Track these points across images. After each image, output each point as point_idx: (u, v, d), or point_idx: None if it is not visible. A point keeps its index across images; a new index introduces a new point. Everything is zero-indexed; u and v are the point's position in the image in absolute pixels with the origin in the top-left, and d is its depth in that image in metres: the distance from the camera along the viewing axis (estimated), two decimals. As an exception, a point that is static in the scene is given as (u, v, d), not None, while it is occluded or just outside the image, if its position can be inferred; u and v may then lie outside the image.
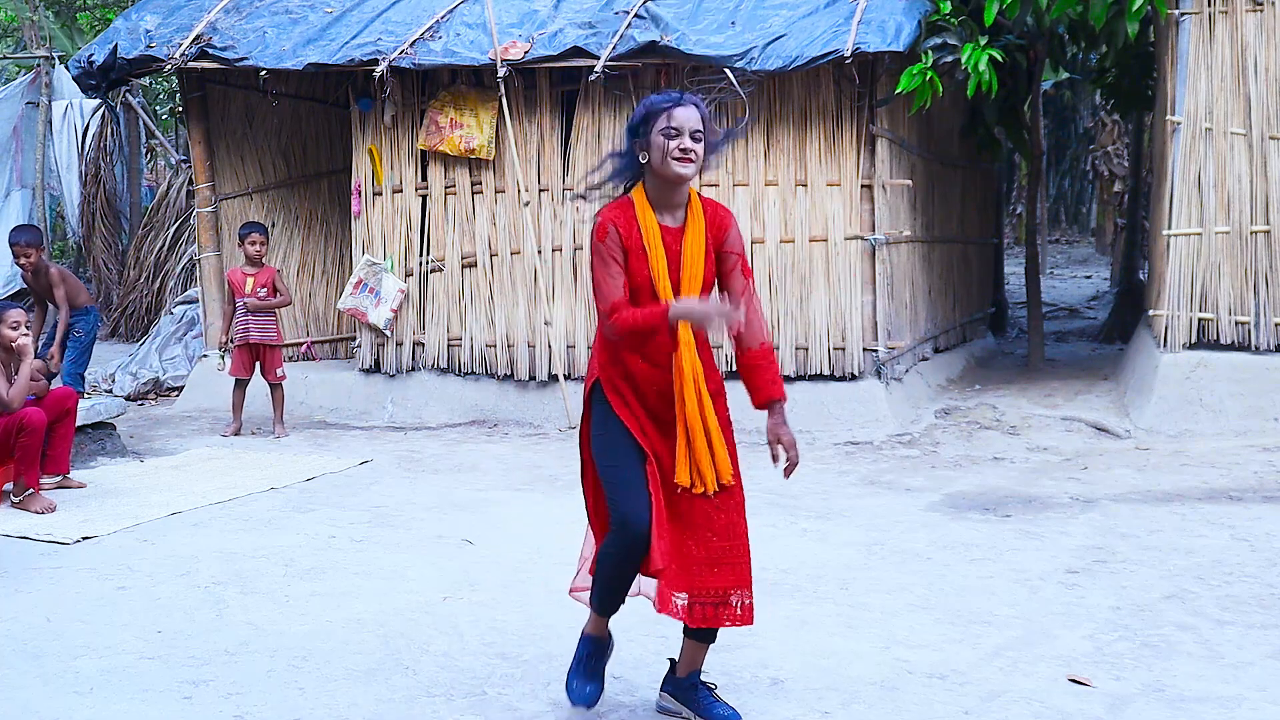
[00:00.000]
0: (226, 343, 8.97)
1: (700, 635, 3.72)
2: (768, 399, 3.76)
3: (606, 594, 3.69)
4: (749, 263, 3.78)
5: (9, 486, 6.51)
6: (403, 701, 3.89)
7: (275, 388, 8.78)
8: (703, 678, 3.79)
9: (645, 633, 4.47)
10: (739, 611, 3.62)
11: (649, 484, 3.57)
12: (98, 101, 12.96)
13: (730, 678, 4.04)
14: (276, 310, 8.90)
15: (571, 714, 3.79)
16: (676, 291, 3.58)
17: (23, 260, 8.54)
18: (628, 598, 3.73)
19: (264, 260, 8.92)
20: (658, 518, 3.55)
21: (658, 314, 3.49)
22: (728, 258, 3.67)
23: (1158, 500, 6.44)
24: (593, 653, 3.79)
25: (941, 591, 4.95)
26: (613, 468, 3.61)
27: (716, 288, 3.70)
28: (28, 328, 6.68)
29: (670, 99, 3.59)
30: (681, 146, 3.52)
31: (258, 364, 8.79)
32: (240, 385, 8.83)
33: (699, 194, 3.68)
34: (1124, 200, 20.75)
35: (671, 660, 3.85)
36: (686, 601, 3.57)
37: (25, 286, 13.81)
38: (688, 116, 3.54)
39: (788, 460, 3.76)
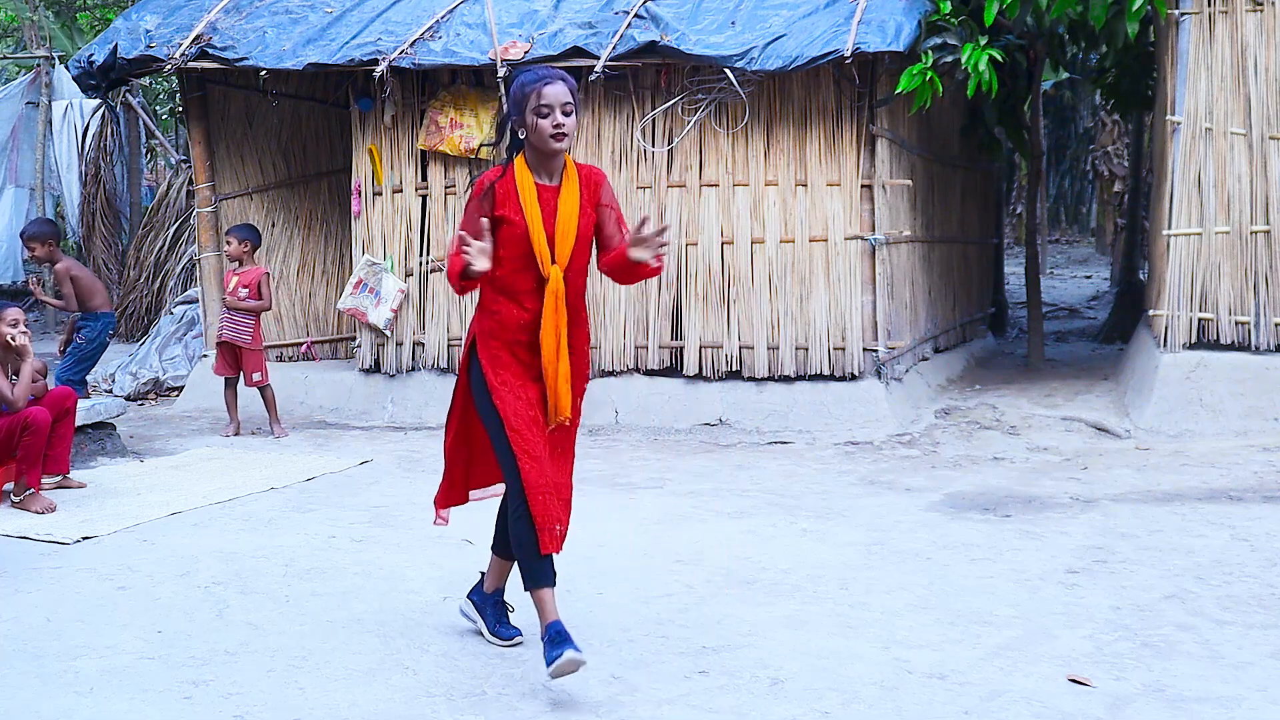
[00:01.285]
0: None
1: (508, 552, 4.25)
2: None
3: (540, 557, 3.99)
4: (624, 217, 4.21)
5: (9, 486, 6.51)
6: (403, 701, 3.89)
7: (262, 390, 8.75)
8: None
9: (645, 633, 4.47)
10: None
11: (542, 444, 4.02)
12: (98, 101, 12.96)
13: (730, 677, 4.05)
14: (257, 314, 8.82)
15: (572, 713, 3.79)
16: (551, 242, 3.97)
17: (33, 254, 8.53)
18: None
19: (245, 261, 8.85)
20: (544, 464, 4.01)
21: (456, 267, 3.91)
22: (604, 211, 4.09)
23: (1158, 500, 6.44)
24: (504, 602, 4.38)
25: (941, 591, 4.95)
26: (510, 431, 3.99)
27: (596, 240, 4.13)
28: (26, 327, 6.68)
29: (539, 77, 3.96)
30: (555, 123, 3.91)
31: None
32: (229, 384, 8.83)
33: (573, 159, 4.08)
34: (1124, 200, 20.76)
35: (482, 573, 4.43)
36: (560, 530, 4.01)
37: (25, 281, 13.84)
38: (557, 94, 3.92)
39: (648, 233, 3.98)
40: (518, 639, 4.30)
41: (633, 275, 4.07)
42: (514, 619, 4.42)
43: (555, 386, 4.01)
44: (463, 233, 3.89)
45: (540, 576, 4.00)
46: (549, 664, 3.83)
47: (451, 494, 4.44)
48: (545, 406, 4.03)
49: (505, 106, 4.07)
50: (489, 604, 4.40)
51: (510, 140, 4.07)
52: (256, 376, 8.74)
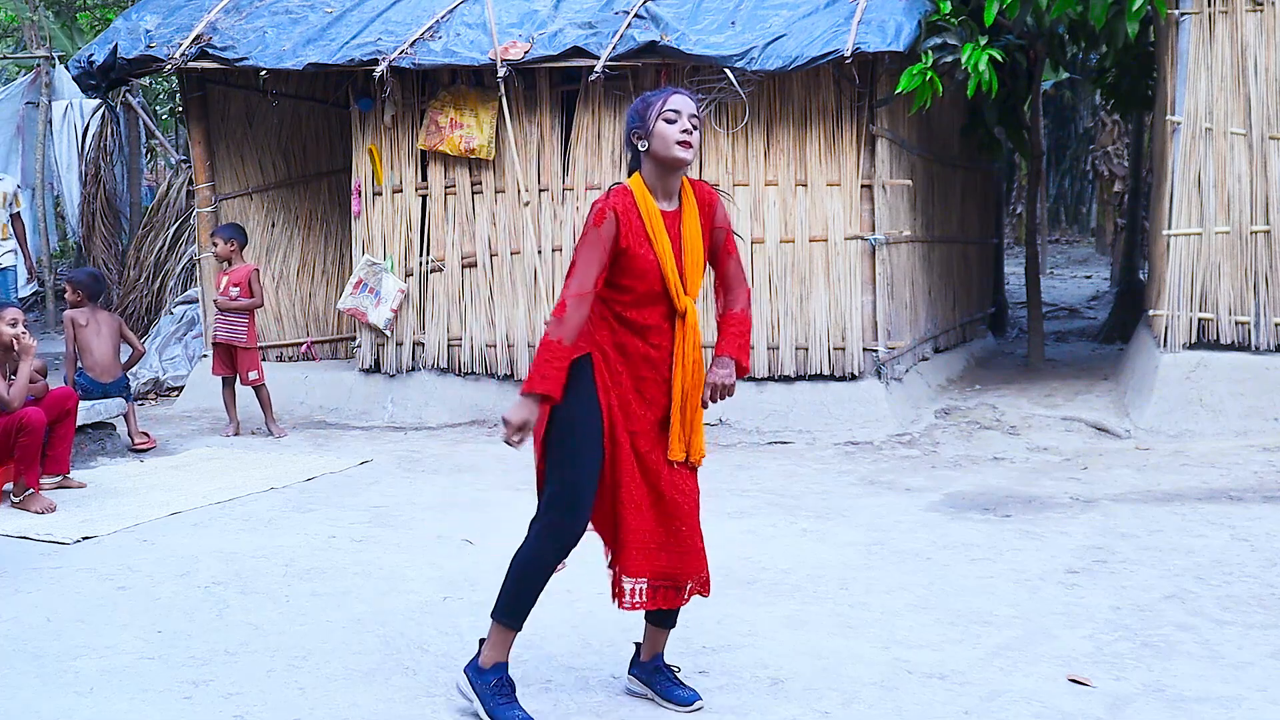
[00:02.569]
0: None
1: (660, 620, 3.88)
2: (726, 353, 3.82)
3: (524, 597, 3.72)
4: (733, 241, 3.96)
5: (9, 486, 6.51)
6: (403, 701, 3.89)
7: (257, 390, 8.74)
8: (669, 661, 3.95)
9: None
10: (686, 597, 3.80)
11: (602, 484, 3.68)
12: (98, 101, 12.96)
13: (730, 677, 4.05)
14: (250, 311, 8.79)
15: (572, 713, 3.79)
16: (681, 272, 3.68)
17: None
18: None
19: (234, 260, 8.84)
20: (626, 501, 3.67)
21: (548, 380, 3.54)
22: (718, 233, 3.83)
23: (1158, 500, 6.44)
24: (506, 679, 3.75)
25: (941, 591, 4.95)
26: (572, 453, 3.64)
27: (713, 261, 3.86)
28: (26, 326, 6.68)
29: (667, 90, 3.74)
30: (683, 128, 3.64)
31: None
32: (227, 384, 8.83)
33: (689, 180, 3.80)
34: (1124, 200, 20.76)
35: (636, 644, 3.97)
36: (647, 586, 3.71)
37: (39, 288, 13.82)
38: (685, 104, 3.68)
39: (714, 380, 3.77)
40: (698, 704, 3.82)
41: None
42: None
43: (678, 425, 3.69)
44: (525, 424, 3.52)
45: (523, 615, 3.75)
46: (489, 710, 3.68)
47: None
48: (665, 443, 3.71)
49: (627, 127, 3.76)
50: (650, 670, 3.93)
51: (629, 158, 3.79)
52: (253, 376, 8.73)
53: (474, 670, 3.78)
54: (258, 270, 9.03)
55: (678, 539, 3.74)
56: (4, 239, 10.81)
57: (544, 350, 3.57)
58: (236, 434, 8.64)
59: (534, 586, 3.71)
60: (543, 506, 3.70)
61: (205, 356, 10.04)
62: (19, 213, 11.02)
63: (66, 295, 8.40)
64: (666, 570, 3.74)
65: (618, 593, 3.75)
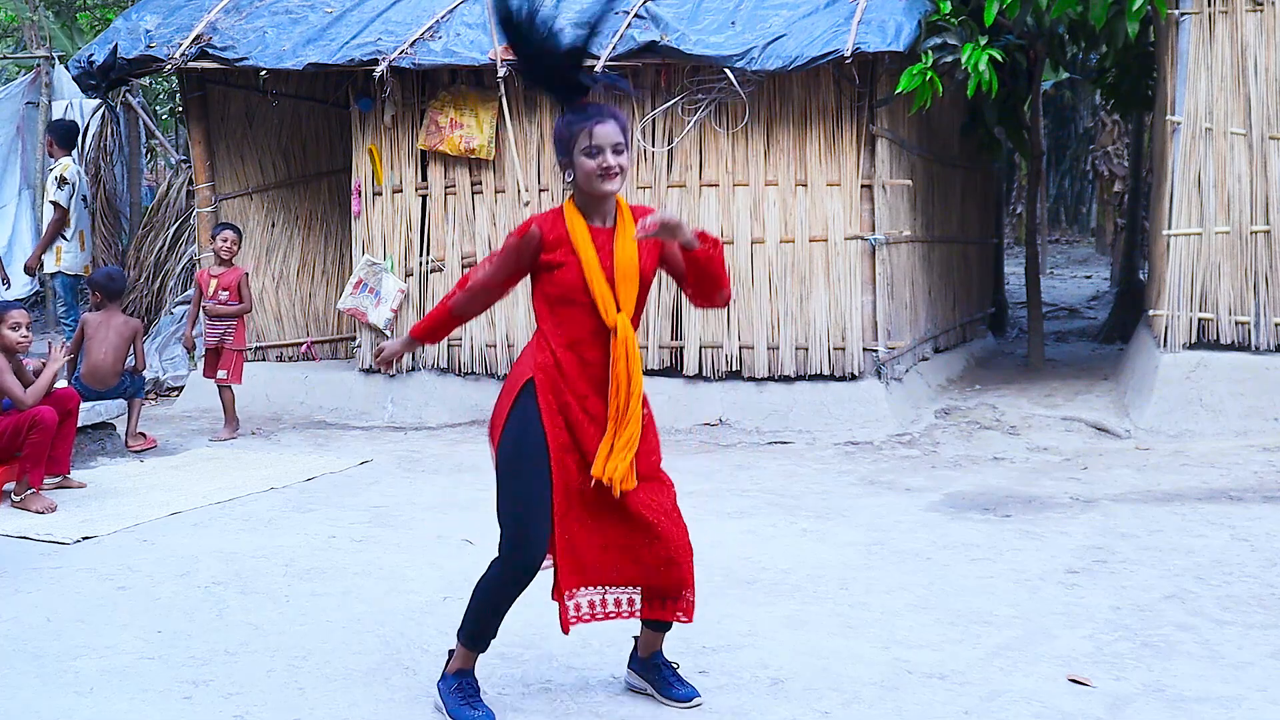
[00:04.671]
0: (193, 340, 8.96)
1: (655, 625, 3.89)
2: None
3: (483, 623, 3.74)
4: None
5: (9, 486, 6.51)
6: (403, 701, 3.89)
7: (222, 388, 8.67)
8: (670, 658, 3.97)
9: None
10: (657, 612, 3.82)
11: (553, 511, 3.63)
12: (98, 101, 12.95)
13: (730, 677, 4.05)
14: (242, 315, 8.76)
15: (572, 713, 3.79)
16: (611, 285, 3.64)
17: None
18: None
19: (234, 260, 8.83)
20: (575, 520, 3.67)
21: (419, 327, 4.01)
22: (667, 246, 3.73)
23: (1158, 500, 6.44)
24: (469, 682, 3.79)
25: (941, 591, 4.95)
26: (520, 485, 3.64)
27: (670, 269, 3.80)
28: (28, 329, 6.68)
29: (588, 116, 3.64)
30: (604, 165, 3.60)
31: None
32: (222, 387, 8.79)
33: (625, 202, 3.75)
34: (1124, 200, 20.75)
35: (635, 638, 4.00)
36: (594, 598, 3.75)
37: (38, 289, 13.76)
38: (607, 133, 3.61)
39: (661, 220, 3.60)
40: (697, 700, 3.85)
41: (705, 278, 3.71)
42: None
43: (613, 446, 3.62)
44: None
45: (485, 640, 3.79)
46: (449, 711, 3.73)
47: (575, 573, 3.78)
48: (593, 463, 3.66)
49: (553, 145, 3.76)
50: (649, 666, 3.96)
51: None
52: (222, 374, 8.65)
53: (442, 680, 3.84)
54: (248, 274, 9.00)
55: (641, 552, 3.73)
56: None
57: (438, 308, 3.93)
58: (235, 435, 8.59)
59: (495, 613, 3.74)
60: (500, 538, 3.71)
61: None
62: (57, 201, 10.67)
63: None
64: (628, 579, 3.75)
65: (561, 612, 3.73)
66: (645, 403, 3.74)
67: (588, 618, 3.77)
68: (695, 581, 3.86)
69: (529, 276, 3.76)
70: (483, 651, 3.80)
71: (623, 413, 3.63)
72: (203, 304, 8.78)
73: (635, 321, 3.71)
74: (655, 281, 3.94)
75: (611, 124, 3.63)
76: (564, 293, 3.65)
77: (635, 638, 3.99)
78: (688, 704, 3.82)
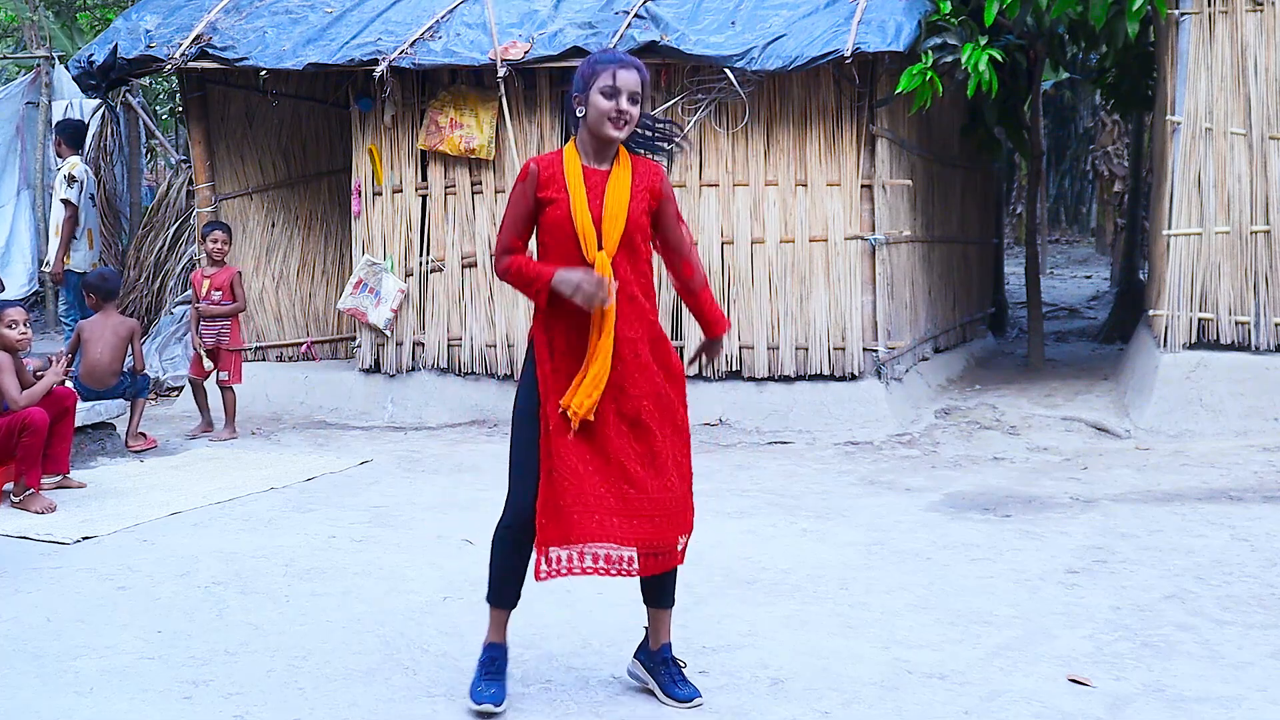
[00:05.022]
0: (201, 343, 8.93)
1: (655, 600, 3.92)
2: (715, 336, 4.12)
3: (497, 579, 3.85)
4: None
5: (9, 486, 6.51)
6: (403, 701, 3.89)
7: (224, 389, 8.64)
8: (677, 655, 3.96)
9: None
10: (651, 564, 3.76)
11: (539, 469, 3.70)
12: (98, 101, 12.95)
13: (730, 678, 4.05)
14: (236, 314, 8.72)
15: (572, 713, 3.79)
16: (597, 224, 3.69)
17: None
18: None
19: (230, 260, 8.81)
20: (560, 469, 3.65)
21: (544, 276, 3.67)
22: (665, 204, 3.83)
23: (1158, 500, 6.44)
24: (494, 657, 3.86)
25: (941, 591, 4.95)
26: (515, 441, 3.79)
27: (659, 239, 3.89)
28: (27, 326, 6.68)
29: (616, 58, 3.72)
30: (618, 108, 3.67)
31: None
32: (196, 386, 8.75)
33: (627, 151, 3.82)
34: (1124, 200, 20.76)
35: (646, 629, 3.98)
36: (577, 553, 3.68)
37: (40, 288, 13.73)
38: (629, 79, 3.68)
39: (696, 352, 4.11)
40: (697, 700, 3.82)
41: (696, 310, 4.06)
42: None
43: (582, 381, 3.66)
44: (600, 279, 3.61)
45: (504, 597, 3.86)
46: (476, 700, 3.76)
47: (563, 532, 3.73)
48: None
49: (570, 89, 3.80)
50: (657, 661, 3.91)
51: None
52: (223, 376, 8.62)
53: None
54: (240, 273, 8.96)
55: (626, 504, 3.68)
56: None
57: (515, 276, 3.75)
58: (232, 435, 8.54)
59: (506, 570, 3.82)
60: None
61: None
62: (68, 199, 10.61)
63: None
64: (614, 536, 3.66)
65: (538, 562, 3.69)
66: (654, 347, 3.79)
67: (564, 571, 3.70)
68: (683, 536, 3.83)
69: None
70: (509, 608, 3.87)
71: (592, 349, 3.68)
72: (196, 304, 8.75)
73: (638, 270, 3.76)
74: (655, 281, 3.95)
75: (635, 73, 3.70)
76: (553, 229, 3.72)
77: (646, 628, 3.97)
78: (688, 704, 3.80)
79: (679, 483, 3.80)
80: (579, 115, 3.74)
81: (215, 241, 8.77)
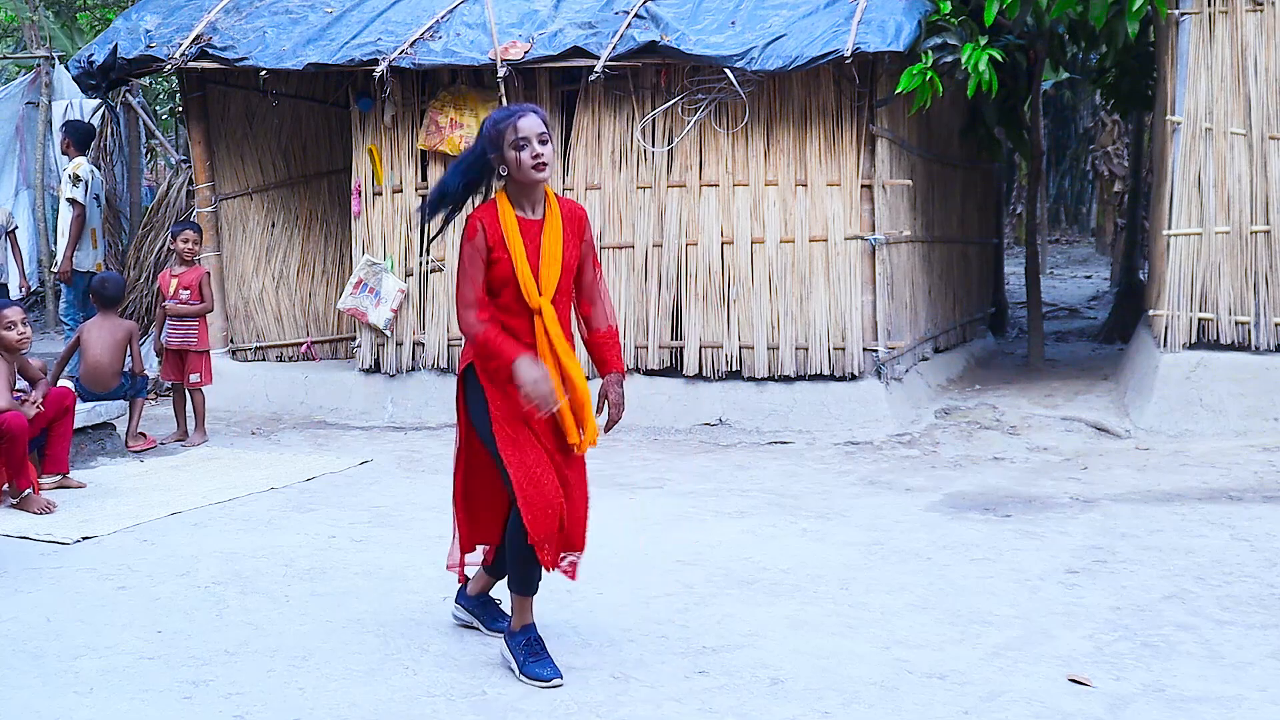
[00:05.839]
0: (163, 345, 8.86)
1: (499, 573, 4.34)
2: (611, 370, 4.28)
3: (519, 570, 4.11)
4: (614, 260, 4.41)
5: (8, 486, 6.51)
6: (403, 701, 3.89)
7: (193, 392, 8.55)
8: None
9: (645, 633, 4.47)
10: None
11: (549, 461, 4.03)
12: (98, 101, 12.95)
13: (730, 677, 4.05)
14: (201, 316, 8.62)
15: (572, 713, 3.79)
16: (535, 275, 4.02)
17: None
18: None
19: (196, 260, 8.77)
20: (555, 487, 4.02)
21: (508, 359, 3.96)
22: (585, 247, 4.18)
23: (1158, 500, 6.44)
24: (537, 637, 4.11)
25: (941, 591, 4.95)
26: (516, 449, 4.01)
27: (577, 277, 4.20)
28: (25, 326, 6.68)
29: (510, 113, 4.03)
30: (534, 153, 3.97)
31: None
32: (176, 390, 8.67)
33: (554, 193, 4.16)
34: (1124, 200, 20.76)
35: (465, 579, 4.49)
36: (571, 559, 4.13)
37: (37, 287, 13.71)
38: (530, 124, 3.99)
39: (609, 415, 4.23)
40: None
41: (591, 347, 4.30)
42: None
43: (569, 414, 4.02)
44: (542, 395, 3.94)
45: (528, 584, 4.13)
46: (530, 676, 4.00)
47: (472, 540, 4.41)
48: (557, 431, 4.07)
49: (478, 147, 4.09)
50: (477, 605, 4.51)
51: (455, 194, 4.13)
52: (194, 378, 8.53)
53: (510, 638, 4.14)
54: (209, 274, 8.88)
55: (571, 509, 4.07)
56: None
57: (480, 347, 4.03)
58: (180, 440, 8.41)
59: (530, 563, 4.09)
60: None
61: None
62: (14, 230, 10.87)
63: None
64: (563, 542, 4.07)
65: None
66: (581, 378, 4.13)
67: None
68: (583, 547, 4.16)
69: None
70: (534, 594, 4.13)
71: (563, 381, 4.00)
72: (163, 304, 8.69)
73: (565, 302, 4.12)
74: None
75: (533, 117, 4.01)
76: (500, 281, 4.03)
77: (466, 578, 4.48)
78: (499, 634, 4.27)
79: (584, 500, 4.18)
80: (502, 174, 4.04)
81: (186, 241, 8.67)
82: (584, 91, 8.99)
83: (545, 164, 3.99)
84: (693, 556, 5.47)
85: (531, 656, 4.02)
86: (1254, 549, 5.49)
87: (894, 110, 8.90)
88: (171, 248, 8.91)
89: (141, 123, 14.69)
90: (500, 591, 4.43)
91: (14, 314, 6.59)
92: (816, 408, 8.58)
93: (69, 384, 8.04)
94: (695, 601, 4.82)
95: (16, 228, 11.14)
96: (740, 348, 8.81)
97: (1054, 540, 5.70)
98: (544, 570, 4.08)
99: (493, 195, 4.12)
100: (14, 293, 11.07)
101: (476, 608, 4.50)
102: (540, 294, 4.01)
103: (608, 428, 4.20)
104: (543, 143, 3.98)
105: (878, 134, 8.65)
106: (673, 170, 8.90)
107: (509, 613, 4.27)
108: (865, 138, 8.64)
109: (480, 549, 4.40)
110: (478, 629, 4.48)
